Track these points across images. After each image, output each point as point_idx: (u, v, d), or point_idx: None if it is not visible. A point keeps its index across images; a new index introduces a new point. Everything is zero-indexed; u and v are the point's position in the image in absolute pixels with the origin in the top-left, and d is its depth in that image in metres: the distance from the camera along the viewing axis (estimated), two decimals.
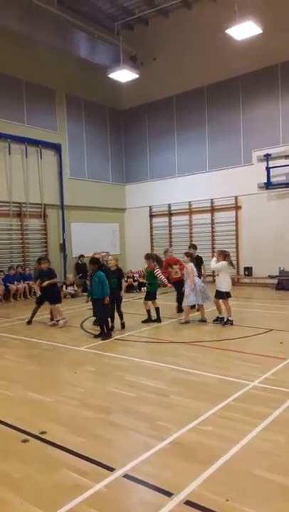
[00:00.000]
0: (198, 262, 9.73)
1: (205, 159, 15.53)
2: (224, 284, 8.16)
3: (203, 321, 8.45)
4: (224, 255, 8.21)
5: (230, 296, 8.32)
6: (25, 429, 3.91)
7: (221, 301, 8.26)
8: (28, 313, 10.36)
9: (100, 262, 7.60)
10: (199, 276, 9.60)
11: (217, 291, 8.24)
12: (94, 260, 7.49)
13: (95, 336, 7.44)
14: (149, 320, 8.63)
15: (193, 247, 10.30)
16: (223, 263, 8.13)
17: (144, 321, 8.61)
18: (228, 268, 8.19)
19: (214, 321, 8.43)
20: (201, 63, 15.04)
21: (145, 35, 16.23)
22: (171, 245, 9.71)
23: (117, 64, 14.10)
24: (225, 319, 8.24)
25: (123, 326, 7.94)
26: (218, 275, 8.29)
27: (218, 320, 8.36)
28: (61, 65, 14.92)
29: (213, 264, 8.26)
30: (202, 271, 9.96)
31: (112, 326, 7.79)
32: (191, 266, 8.40)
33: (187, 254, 8.59)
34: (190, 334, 7.67)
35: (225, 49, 13.88)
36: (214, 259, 8.30)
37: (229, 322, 8.13)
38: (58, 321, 8.65)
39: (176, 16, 15.46)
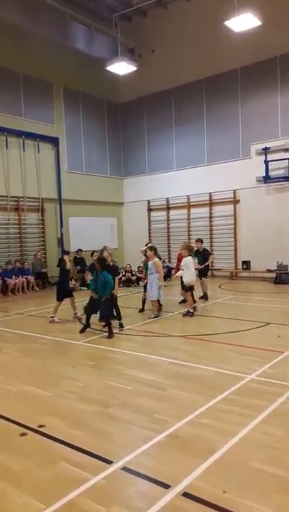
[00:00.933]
0: (205, 254, 10.24)
1: (203, 153, 15.48)
2: (190, 277, 8.45)
3: (157, 316, 8.58)
4: (190, 249, 8.58)
5: (193, 289, 8.71)
6: (24, 422, 3.93)
7: (186, 292, 8.63)
8: (26, 308, 10.42)
9: (106, 261, 7.49)
10: (206, 268, 10.18)
11: (184, 284, 8.50)
12: (100, 260, 7.44)
13: (81, 330, 7.44)
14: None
15: (200, 240, 10.67)
16: (191, 258, 8.54)
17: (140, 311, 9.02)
18: (193, 262, 8.61)
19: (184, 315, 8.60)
20: (199, 55, 14.93)
21: (143, 27, 16.09)
22: (189, 239, 10.32)
23: (115, 56, 13.99)
24: (189, 311, 8.57)
25: (121, 325, 7.67)
26: (183, 269, 8.44)
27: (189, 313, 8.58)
28: (59, 58, 14.81)
29: (185, 260, 8.54)
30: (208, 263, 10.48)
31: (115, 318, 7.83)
32: (158, 261, 8.41)
33: (151, 249, 8.54)
34: (187, 328, 7.69)
35: (223, 41, 13.78)
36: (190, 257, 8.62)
37: (190, 314, 8.46)
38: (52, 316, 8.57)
39: (174, 7, 15.31)
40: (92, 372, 5.39)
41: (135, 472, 3.07)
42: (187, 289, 8.55)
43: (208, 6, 14.19)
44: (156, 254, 8.58)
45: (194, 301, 8.97)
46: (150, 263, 8.43)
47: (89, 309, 7.60)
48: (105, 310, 7.27)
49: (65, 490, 2.86)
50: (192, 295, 8.79)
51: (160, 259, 9.19)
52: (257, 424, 3.73)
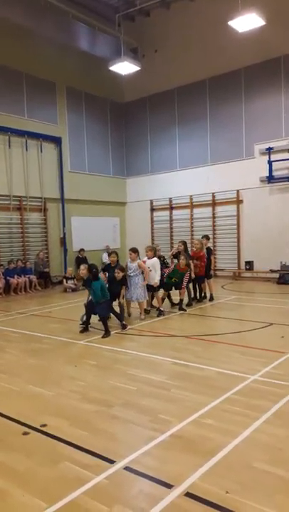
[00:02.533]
0: (208, 253, 10.14)
1: (206, 153, 15.46)
2: (157, 277, 8.59)
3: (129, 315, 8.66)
4: (155, 251, 8.68)
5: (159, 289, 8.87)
6: (27, 422, 3.93)
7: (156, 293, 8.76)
8: (28, 307, 10.43)
9: (94, 269, 7.36)
10: (210, 267, 10.10)
11: (151, 286, 8.52)
12: (89, 268, 7.40)
13: (81, 330, 7.47)
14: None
15: (206, 237, 10.66)
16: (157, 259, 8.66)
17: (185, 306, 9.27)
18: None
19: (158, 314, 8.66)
20: (203, 55, 14.92)
21: (147, 27, 16.08)
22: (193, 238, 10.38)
23: (118, 56, 13.99)
24: (161, 310, 8.75)
25: (124, 326, 7.65)
26: (150, 270, 8.49)
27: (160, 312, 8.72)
28: (62, 58, 14.83)
29: (152, 261, 8.59)
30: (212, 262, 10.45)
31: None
32: (141, 262, 8.43)
33: (134, 251, 8.48)
34: (190, 328, 7.68)
35: (227, 41, 13.77)
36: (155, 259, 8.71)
37: (162, 314, 8.67)
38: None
39: (177, 7, 15.30)
40: (95, 372, 5.38)
41: (138, 472, 3.06)
42: (155, 289, 8.65)
43: (212, 6, 14.17)
44: (138, 255, 8.56)
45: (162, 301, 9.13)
46: (134, 264, 8.33)
47: (89, 310, 7.59)
48: (102, 309, 7.28)
49: (67, 489, 2.85)
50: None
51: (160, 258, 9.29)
52: (260, 424, 3.71)
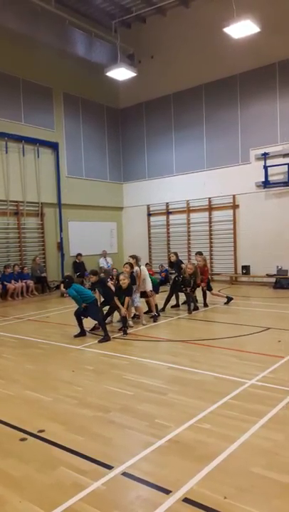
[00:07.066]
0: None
1: (203, 158, 15.53)
2: (149, 284, 8.75)
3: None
4: (132, 266, 8.56)
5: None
6: (24, 427, 3.91)
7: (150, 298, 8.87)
8: (25, 313, 10.40)
9: (66, 280, 7.46)
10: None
11: (144, 292, 8.64)
12: (64, 278, 7.51)
13: (76, 335, 7.51)
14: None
15: (199, 253, 10.81)
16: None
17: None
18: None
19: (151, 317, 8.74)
20: (198, 61, 15.03)
21: (143, 34, 16.21)
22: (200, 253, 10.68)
23: (114, 62, 14.07)
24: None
25: (125, 331, 7.64)
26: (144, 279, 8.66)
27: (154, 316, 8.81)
28: (58, 64, 14.90)
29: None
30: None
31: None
32: (138, 270, 8.50)
33: (134, 258, 8.66)
34: (187, 333, 7.69)
35: (223, 47, 13.89)
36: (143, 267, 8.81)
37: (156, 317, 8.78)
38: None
39: (173, 14, 15.44)
40: (92, 377, 5.37)
41: (136, 477, 3.05)
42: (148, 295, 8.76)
43: (207, 13, 14.31)
44: (138, 262, 8.67)
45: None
46: (134, 271, 8.43)
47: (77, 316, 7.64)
48: (93, 314, 7.34)
49: (65, 495, 2.84)
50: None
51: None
52: (257, 429, 3.72)
